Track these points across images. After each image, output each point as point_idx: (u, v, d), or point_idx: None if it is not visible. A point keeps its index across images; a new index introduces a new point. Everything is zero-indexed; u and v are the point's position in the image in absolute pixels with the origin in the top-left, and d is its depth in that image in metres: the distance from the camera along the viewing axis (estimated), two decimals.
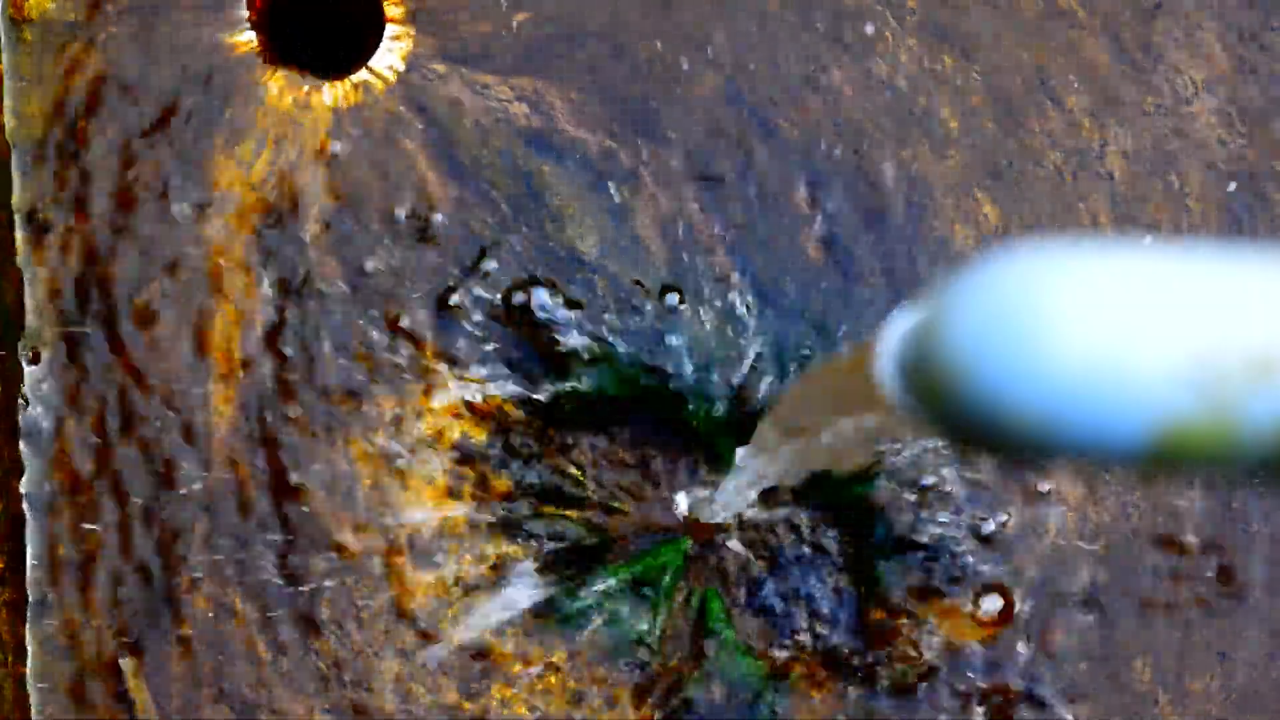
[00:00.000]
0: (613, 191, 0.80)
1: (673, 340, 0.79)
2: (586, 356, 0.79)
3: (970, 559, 0.79)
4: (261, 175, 0.79)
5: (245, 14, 0.80)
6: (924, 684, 0.79)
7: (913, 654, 0.79)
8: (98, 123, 0.79)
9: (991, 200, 0.80)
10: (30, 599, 0.79)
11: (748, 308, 0.79)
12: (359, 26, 0.82)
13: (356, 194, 0.79)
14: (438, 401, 0.79)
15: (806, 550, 0.80)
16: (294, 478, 0.79)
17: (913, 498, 0.79)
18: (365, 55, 0.80)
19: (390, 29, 0.80)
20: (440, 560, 0.79)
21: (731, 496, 0.78)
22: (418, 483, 0.79)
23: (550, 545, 0.80)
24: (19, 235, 0.79)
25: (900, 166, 0.80)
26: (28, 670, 0.79)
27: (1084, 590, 0.79)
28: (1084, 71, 0.80)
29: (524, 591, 0.80)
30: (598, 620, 0.80)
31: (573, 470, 0.80)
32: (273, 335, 0.79)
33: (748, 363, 0.79)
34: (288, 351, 0.79)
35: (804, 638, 0.80)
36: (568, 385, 0.79)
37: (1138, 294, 0.40)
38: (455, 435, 0.79)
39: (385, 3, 0.80)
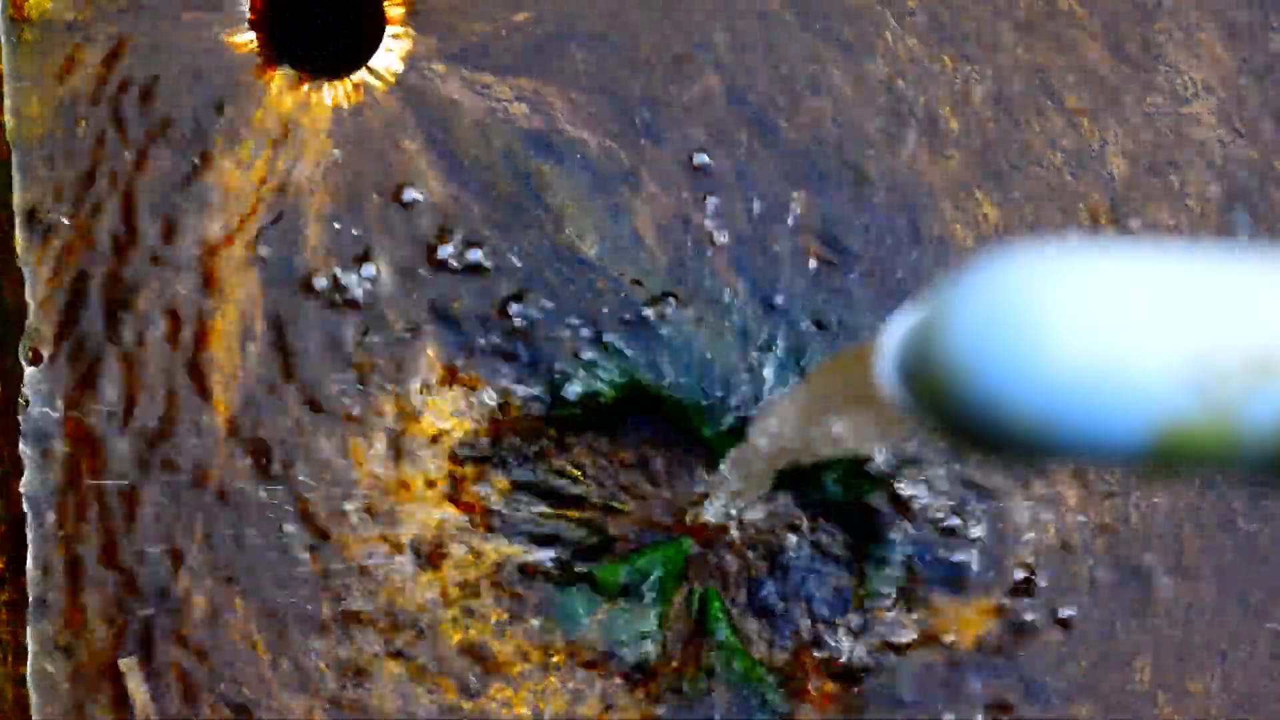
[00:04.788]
0: (613, 191, 0.80)
1: (672, 340, 0.79)
2: (586, 356, 0.79)
3: (970, 558, 0.79)
4: (261, 175, 0.79)
5: (245, 14, 0.80)
6: (924, 682, 0.79)
7: (912, 652, 0.79)
8: (98, 123, 0.79)
9: (991, 200, 0.80)
10: (30, 599, 0.79)
11: (748, 307, 0.79)
12: (359, 26, 0.82)
13: (356, 194, 0.79)
14: (438, 402, 0.79)
15: (807, 549, 0.80)
16: (294, 478, 0.79)
17: (913, 496, 0.79)
18: (365, 55, 0.80)
19: (390, 29, 0.80)
20: (440, 560, 0.79)
21: (726, 502, 0.78)
22: (418, 483, 0.79)
23: (550, 545, 0.80)
24: (19, 235, 0.79)
25: (900, 166, 0.80)
26: (28, 671, 0.79)
27: (1084, 589, 0.79)
28: (1084, 71, 0.80)
29: (523, 591, 0.80)
30: (598, 620, 0.80)
31: (573, 470, 0.80)
32: (273, 336, 0.79)
33: (747, 362, 0.79)
34: (288, 352, 0.79)
35: (804, 636, 0.80)
36: (567, 385, 0.79)
37: (1137, 294, 0.40)
38: (456, 436, 0.79)
39: (385, 3, 0.80)
